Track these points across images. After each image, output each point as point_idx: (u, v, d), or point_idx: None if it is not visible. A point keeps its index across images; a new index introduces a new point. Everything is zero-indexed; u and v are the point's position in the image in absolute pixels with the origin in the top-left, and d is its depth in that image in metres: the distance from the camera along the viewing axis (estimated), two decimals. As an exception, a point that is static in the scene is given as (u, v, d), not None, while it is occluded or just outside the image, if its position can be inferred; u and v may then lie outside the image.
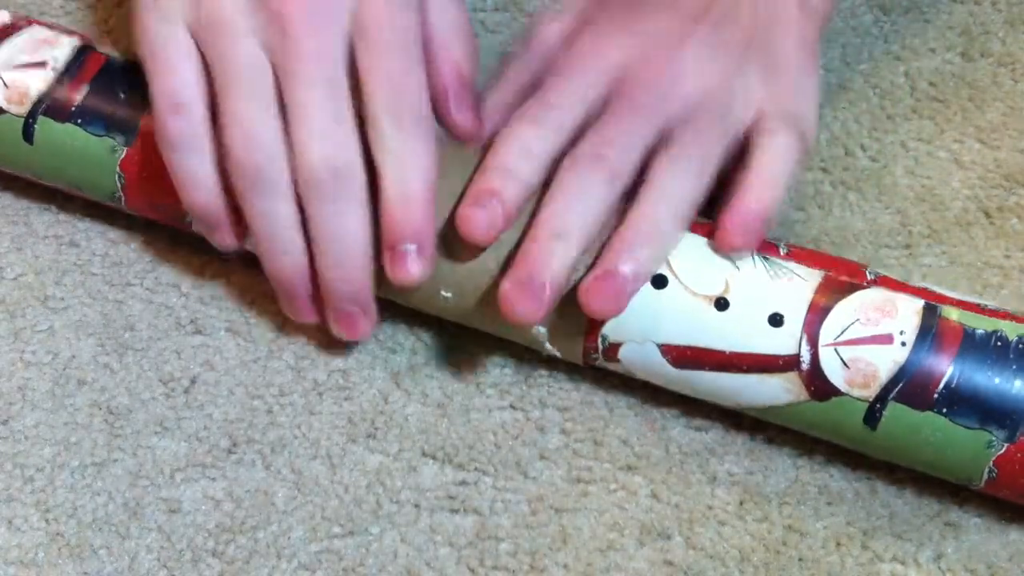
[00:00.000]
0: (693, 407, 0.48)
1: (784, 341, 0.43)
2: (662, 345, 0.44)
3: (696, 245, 0.44)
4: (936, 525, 0.45)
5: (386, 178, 0.44)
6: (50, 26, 0.51)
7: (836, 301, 0.43)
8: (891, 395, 0.42)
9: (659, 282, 0.44)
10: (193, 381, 0.49)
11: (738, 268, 0.44)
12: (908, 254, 0.51)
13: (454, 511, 0.46)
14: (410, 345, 0.49)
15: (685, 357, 0.44)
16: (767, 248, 0.45)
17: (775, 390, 0.43)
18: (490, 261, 0.45)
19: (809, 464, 0.46)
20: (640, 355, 0.44)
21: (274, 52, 0.44)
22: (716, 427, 0.47)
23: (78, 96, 0.48)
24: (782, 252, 0.45)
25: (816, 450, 0.47)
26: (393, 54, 0.44)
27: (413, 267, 0.44)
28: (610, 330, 0.44)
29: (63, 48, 0.50)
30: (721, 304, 0.43)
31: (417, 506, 0.46)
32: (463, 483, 0.46)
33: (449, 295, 0.45)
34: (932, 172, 0.53)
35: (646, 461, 0.47)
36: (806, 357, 0.42)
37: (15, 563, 0.45)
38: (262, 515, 0.46)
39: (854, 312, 0.43)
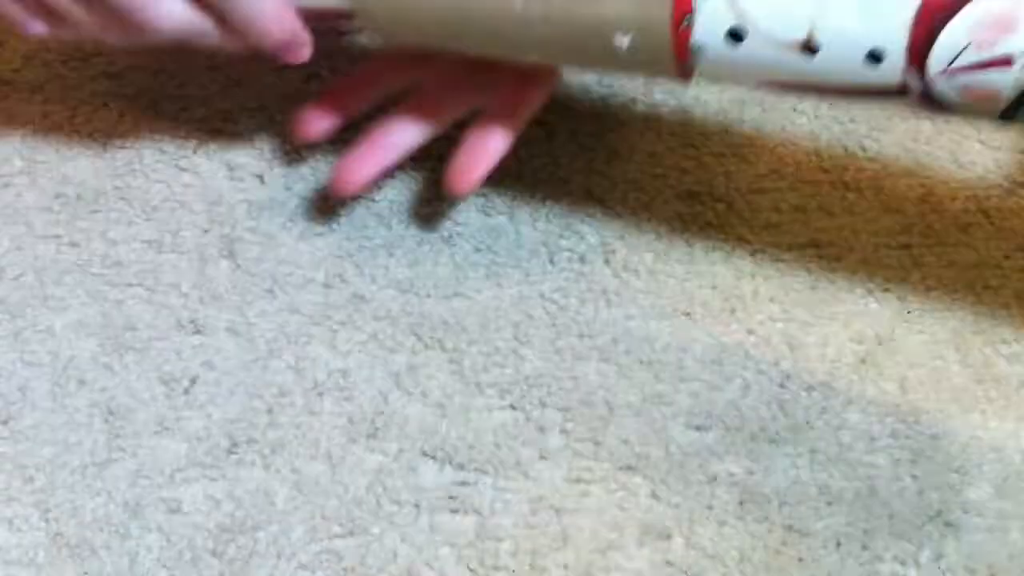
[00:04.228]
0: (693, 407, 0.48)
1: (889, 75, 0.39)
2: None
3: None
4: (936, 525, 0.45)
5: None
6: None
7: (943, 23, 0.37)
8: (1016, 115, 0.38)
9: (735, 36, 0.40)
10: (193, 381, 0.49)
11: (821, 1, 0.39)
12: (908, 254, 0.51)
13: (454, 511, 0.46)
14: (410, 345, 0.49)
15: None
16: None
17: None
18: None
19: (809, 464, 0.46)
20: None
21: None
22: (716, 427, 0.47)
23: None
24: None
25: (816, 450, 0.47)
26: None
27: None
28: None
29: None
30: (809, 49, 0.39)
31: (417, 506, 0.46)
32: (463, 483, 0.46)
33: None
34: (932, 172, 0.53)
35: (646, 461, 0.47)
36: (916, 86, 0.38)
37: (15, 563, 0.45)
38: (262, 515, 0.46)
39: (966, 34, 0.37)
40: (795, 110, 0.55)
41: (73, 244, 0.52)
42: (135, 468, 0.47)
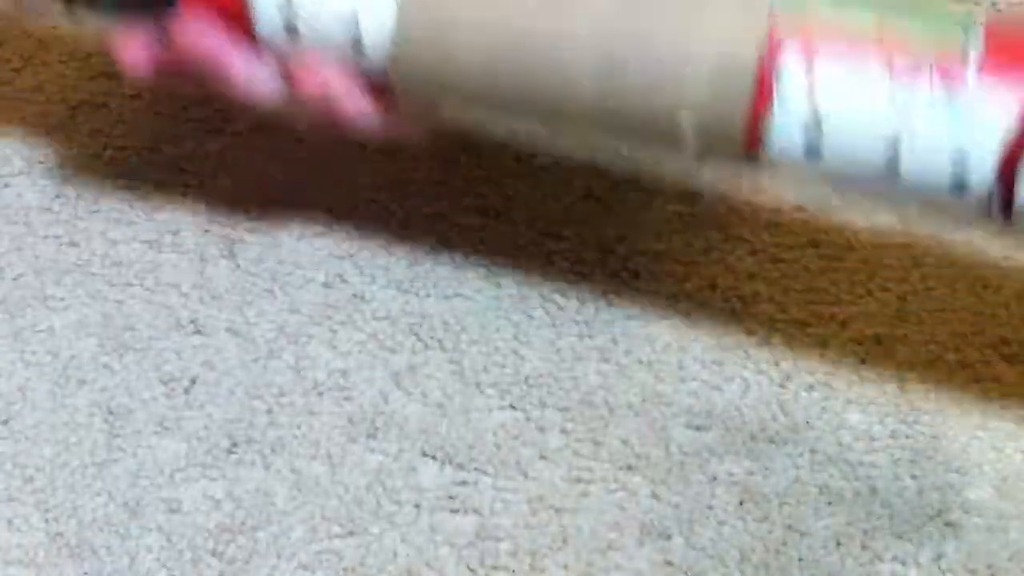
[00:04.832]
0: (693, 407, 0.48)
1: (973, 206, 0.37)
2: None
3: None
4: (936, 525, 0.45)
5: None
6: None
7: None
8: None
9: (812, 153, 0.38)
10: (193, 381, 0.49)
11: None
12: (908, 254, 0.51)
13: (454, 511, 0.46)
14: (410, 345, 0.49)
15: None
16: (952, 71, 0.36)
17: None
18: None
19: (809, 464, 0.46)
20: None
21: None
22: (716, 427, 0.47)
23: None
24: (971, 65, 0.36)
25: (816, 450, 0.47)
26: None
27: None
28: None
29: None
30: (890, 173, 0.38)
31: (417, 506, 0.46)
32: (463, 483, 0.46)
33: None
34: (932, 172, 0.53)
35: (646, 461, 0.47)
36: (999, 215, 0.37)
37: (15, 563, 0.45)
38: (262, 515, 0.46)
39: None
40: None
41: (73, 244, 0.52)
42: (135, 468, 0.47)
